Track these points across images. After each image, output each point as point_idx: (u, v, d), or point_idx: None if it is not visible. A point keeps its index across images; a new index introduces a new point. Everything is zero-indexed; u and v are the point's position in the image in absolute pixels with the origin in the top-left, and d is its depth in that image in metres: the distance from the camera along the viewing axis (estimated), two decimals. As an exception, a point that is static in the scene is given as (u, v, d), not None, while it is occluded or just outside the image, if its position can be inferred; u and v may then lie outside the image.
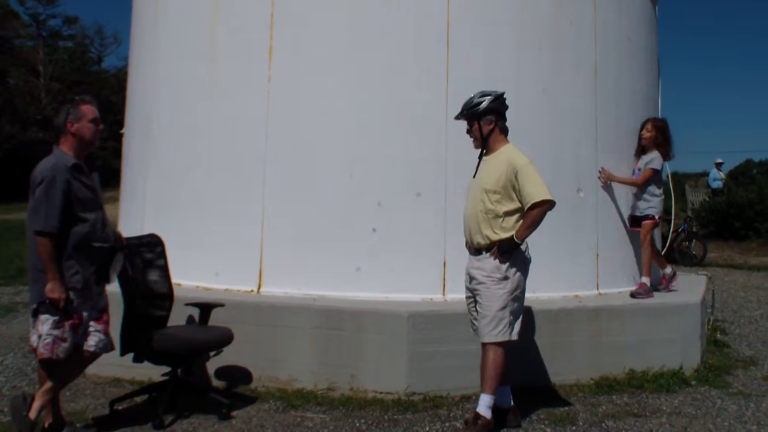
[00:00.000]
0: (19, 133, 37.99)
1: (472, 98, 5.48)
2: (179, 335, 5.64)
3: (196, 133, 7.28)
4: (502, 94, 5.52)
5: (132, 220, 7.79)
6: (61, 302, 4.78)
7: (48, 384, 4.94)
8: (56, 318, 4.81)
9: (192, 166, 7.27)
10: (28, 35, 49.27)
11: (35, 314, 4.87)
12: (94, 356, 5.10)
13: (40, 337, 4.82)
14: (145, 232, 6.75)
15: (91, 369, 6.19)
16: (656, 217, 7.72)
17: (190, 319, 6.32)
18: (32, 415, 4.82)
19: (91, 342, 5.03)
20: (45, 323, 4.81)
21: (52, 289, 4.76)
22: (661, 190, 7.82)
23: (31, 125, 40.89)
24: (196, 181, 7.24)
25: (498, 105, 5.48)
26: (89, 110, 5.07)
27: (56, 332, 4.83)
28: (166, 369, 5.75)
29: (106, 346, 5.13)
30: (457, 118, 5.59)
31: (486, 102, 5.42)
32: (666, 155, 7.84)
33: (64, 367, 4.98)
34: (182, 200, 7.29)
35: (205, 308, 6.07)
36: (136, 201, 7.89)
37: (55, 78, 46.25)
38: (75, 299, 4.88)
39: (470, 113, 5.47)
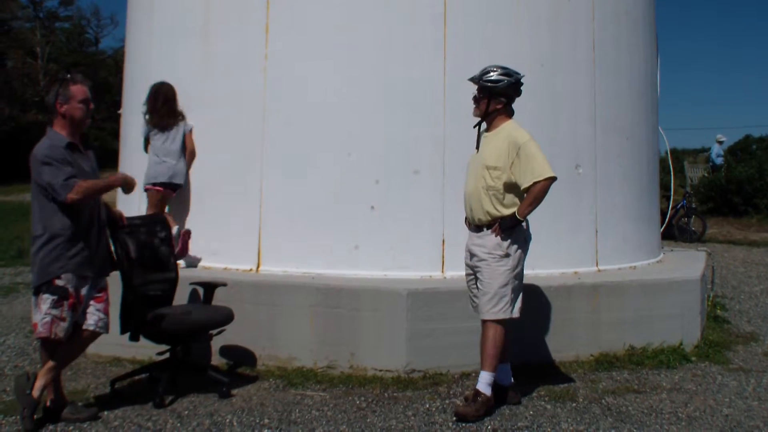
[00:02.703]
0: (17, 115, 37.90)
1: (492, 71, 5.39)
2: (175, 314, 5.64)
3: (193, 112, 7.25)
4: (521, 78, 5.44)
5: (130, 200, 7.75)
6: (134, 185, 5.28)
7: (50, 363, 4.96)
8: (55, 297, 4.84)
9: (189, 145, 7.24)
10: (25, 17, 49.01)
11: (36, 293, 4.89)
12: (93, 335, 5.11)
13: (41, 315, 4.85)
14: (143, 212, 6.76)
15: (92, 348, 6.19)
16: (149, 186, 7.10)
17: (193, 297, 6.33)
18: (35, 393, 4.85)
19: (91, 321, 5.04)
20: (45, 302, 4.84)
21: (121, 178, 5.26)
22: (157, 157, 7.11)
23: (29, 107, 40.78)
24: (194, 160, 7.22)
25: (513, 90, 5.43)
26: (79, 90, 5.02)
27: (55, 311, 4.85)
28: (166, 348, 5.76)
29: (106, 326, 5.14)
30: (471, 80, 5.50)
31: (504, 83, 5.35)
32: (153, 123, 7.16)
33: (65, 347, 5.00)
34: (180, 180, 7.27)
35: (209, 287, 6.07)
36: (133, 181, 7.87)
37: (52, 59, 46.06)
38: (73, 279, 4.89)
39: (485, 87, 5.40)
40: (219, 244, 7.01)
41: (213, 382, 5.69)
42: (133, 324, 5.50)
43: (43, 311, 4.85)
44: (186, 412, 5.26)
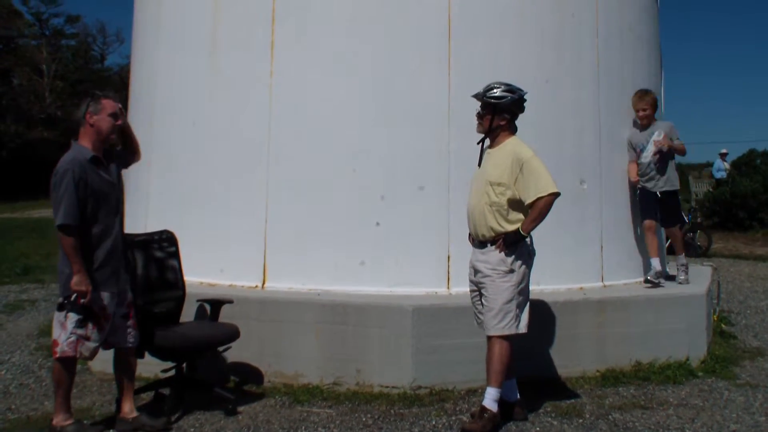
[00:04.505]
0: (23, 132, 38.08)
1: (495, 87, 5.41)
2: (179, 332, 5.65)
3: (199, 127, 7.29)
4: (524, 95, 5.47)
5: (136, 215, 7.77)
6: (88, 294, 4.86)
7: (128, 384, 5.22)
8: (80, 317, 4.89)
9: (195, 161, 7.27)
10: (31, 34, 49.34)
11: (60, 309, 4.93)
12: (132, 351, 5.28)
13: (66, 334, 4.90)
14: (149, 227, 6.78)
15: (98, 366, 6.26)
16: None
17: (200, 314, 6.33)
18: (132, 415, 5.16)
19: (131, 339, 5.22)
20: (70, 321, 4.89)
21: (78, 282, 4.84)
22: None
23: (35, 124, 40.98)
24: (198, 175, 7.24)
25: (517, 107, 5.45)
26: (109, 104, 5.15)
27: (80, 331, 4.91)
28: (172, 365, 5.76)
29: (137, 338, 5.27)
30: (474, 97, 5.52)
31: (508, 100, 5.38)
32: None
33: (124, 369, 5.23)
34: (185, 195, 7.29)
35: (215, 304, 6.09)
36: (139, 196, 7.87)
37: (58, 77, 46.32)
38: (98, 298, 4.97)
39: (489, 103, 5.42)
40: (224, 261, 7.01)
41: (219, 399, 5.68)
42: (139, 341, 5.50)
43: (68, 330, 4.88)
44: (192, 430, 5.26)
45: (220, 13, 7.28)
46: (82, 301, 4.85)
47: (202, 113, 7.29)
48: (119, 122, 5.22)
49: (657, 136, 7.55)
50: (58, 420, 5.02)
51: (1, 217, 24.39)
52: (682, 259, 7.79)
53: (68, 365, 4.99)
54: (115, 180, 5.21)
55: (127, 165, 5.49)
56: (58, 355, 4.94)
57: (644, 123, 7.72)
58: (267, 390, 6.14)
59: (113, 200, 5.13)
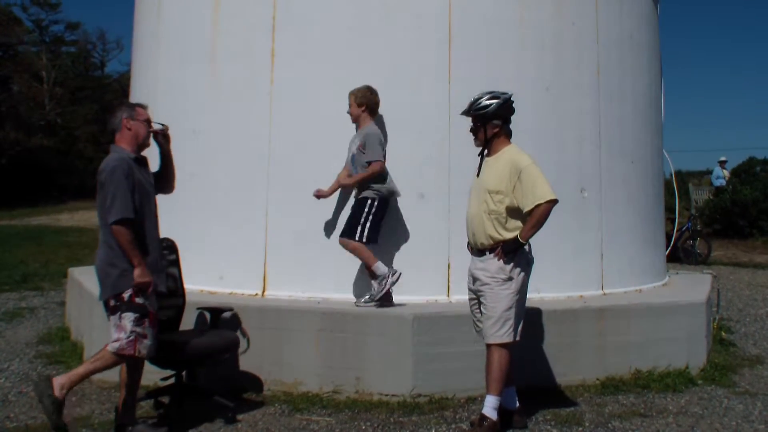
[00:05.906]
0: (23, 139, 38.04)
1: (480, 98, 5.42)
2: (180, 340, 5.64)
3: (199, 136, 7.30)
4: (510, 97, 5.47)
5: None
6: (151, 286, 4.96)
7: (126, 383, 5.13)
8: (137, 315, 4.93)
9: (195, 170, 7.25)
10: (31, 41, 49.34)
11: (114, 312, 4.95)
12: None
13: (126, 334, 4.92)
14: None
15: (97, 374, 6.19)
16: None
17: (199, 322, 6.33)
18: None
19: (152, 349, 5.16)
20: (128, 321, 4.91)
21: (141, 274, 4.91)
22: None
23: (35, 131, 40.95)
24: (199, 184, 7.25)
25: (505, 110, 5.45)
26: (143, 112, 5.33)
27: (138, 329, 4.94)
28: (172, 373, 5.75)
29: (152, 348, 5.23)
30: (463, 114, 5.56)
31: (494, 106, 5.39)
32: None
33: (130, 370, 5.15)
34: (185, 204, 7.27)
35: (215, 312, 6.09)
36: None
37: (58, 83, 46.32)
38: (149, 295, 5.02)
39: (477, 114, 5.44)
40: (225, 269, 7.02)
41: (218, 407, 5.68)
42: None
43: (128, 330, 4.90)
44: (191, 438, 5.25)
45: (220, 22, 7.30)
46: (137, 299, 4.91)
47: (202, 122, 7.31)
48: (152, 129, 5.38)
49: (357, 140, 6.51)
50: (56, 386, 4.85)
51: None
52: (380, 268, 6.35)
53: (118, 360, 4.99)
54: (153, 181, 5.33)
55: (157, 189, 5.47)
56: (113, 351, 4.92)
57: (353, 121, 6.63)
58: (267, 398, 6.13)
59: (153, 201, 5.24)
